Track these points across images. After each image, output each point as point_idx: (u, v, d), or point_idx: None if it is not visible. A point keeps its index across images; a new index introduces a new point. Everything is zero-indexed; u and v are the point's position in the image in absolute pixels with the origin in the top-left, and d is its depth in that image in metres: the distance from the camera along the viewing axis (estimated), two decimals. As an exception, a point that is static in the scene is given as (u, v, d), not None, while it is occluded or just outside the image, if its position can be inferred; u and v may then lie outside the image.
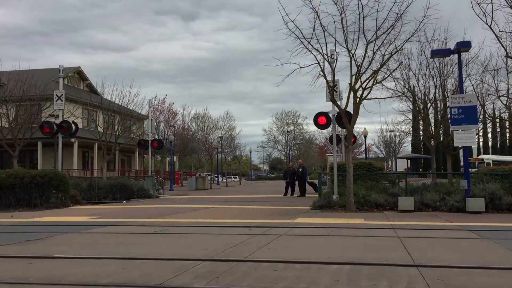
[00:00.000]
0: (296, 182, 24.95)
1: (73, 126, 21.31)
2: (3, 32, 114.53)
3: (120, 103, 35.36)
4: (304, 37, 14.21)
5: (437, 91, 23.38)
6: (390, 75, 16.00)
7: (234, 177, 77.42)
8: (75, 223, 12.11)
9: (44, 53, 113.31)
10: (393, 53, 14.49)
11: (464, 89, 16.13)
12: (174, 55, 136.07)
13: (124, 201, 21.96)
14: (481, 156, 48.03)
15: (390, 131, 49.51)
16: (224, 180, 61.29)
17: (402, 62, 21.28)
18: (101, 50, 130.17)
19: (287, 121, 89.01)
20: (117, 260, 6.30)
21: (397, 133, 45.82)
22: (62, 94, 20.92)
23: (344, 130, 18.71)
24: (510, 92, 21.32)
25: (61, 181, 18.74)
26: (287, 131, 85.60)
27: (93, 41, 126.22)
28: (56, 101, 21.03)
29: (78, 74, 45.68)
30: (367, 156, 50.17)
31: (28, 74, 31.98)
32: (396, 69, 16.66)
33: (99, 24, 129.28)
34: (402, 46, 14.56)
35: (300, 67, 14.38)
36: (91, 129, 37.90)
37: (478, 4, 15.42)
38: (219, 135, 61.03)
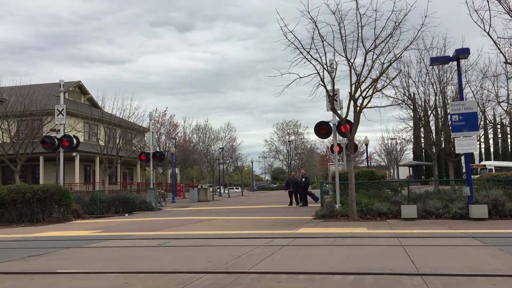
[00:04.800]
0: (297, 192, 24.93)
1: (75, 140, 21.32)
2: (0, 47, 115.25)
3: (121, 116, 35.43)
4: (303, 47, 14.28)
5: (437, 98, 23.40)
6: (390, 83, 16.04)
7: (236, 188, 77.31)
8: (77, 237, 12.08)
9: (41, 67, 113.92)
10: (392, 61, 14.54)
11: (464, 96, 16.14)
12: (171, 66, 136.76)
13: (127, 214, 21.93)
14: (483, 162, 47.92)
15: (391, 139, 49.51)
16: (226, 191, 61.18)
17: (401, 70, 21.31)
18: (98, 63, 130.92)
19: (288, 130, 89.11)
20: (120, 274, 6.28)
21: (398, 141, 45.86)
22: (63, 109, 20.98)
23: (345, 139, 18.73)
24: (510, 98, 21.34)
25: (63, 196, 18.72)
26: (288, 141, 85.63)
27: (89, 54, 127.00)
28: (57, 115, 21.08)
29: (79, 88, 45.86)
30: (369, 164, 50.10)
31: (28, 89, 32.09)
32: (395, 77, 16.70)
33: (95, 37, 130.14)
34: (401, 54, 14.63)
35: (300, 77, 14.43)
36: (92, 143, 37.94)
37: (475, 11, 15.50)
38: (221, 146, 61.06)
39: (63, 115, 20.97)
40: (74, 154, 33.50)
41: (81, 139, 30.40)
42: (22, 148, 29.19)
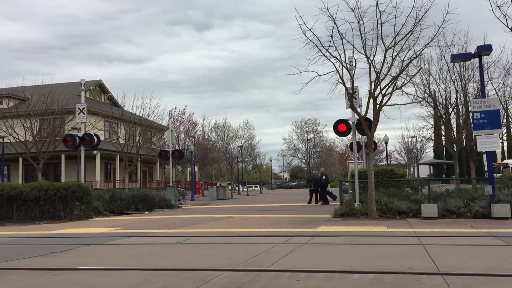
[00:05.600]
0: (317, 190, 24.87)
1: (95, 139, 21.60)
2: (21, 47, 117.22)
3: (140, 115, 35.80)
4: (322, 45, 14.21)
5: (458, 96, 23.05)
6: (410, 81, 15.84)
7: (254, 186, 77.38)
8: (98, 234, 12.25)
9: (62, 66, 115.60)
10: (412, 58, 14.37)
11: (486, 93, 15.88)
12: (189, 65, 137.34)
13: (146, 212, 22.14)
14: (505, 161, 47.03)
15: (411, 137, 48.95)
16: (245, 189, 61.32)
17: (422, 67, 21.05)
18: (117, 62, 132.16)
19: (307, 129, 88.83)
20: (140, 271, 6.35)
21: (419, 139, 45.29)
22: (84, 107, 21.28)
23: (365, 137, 18.59)
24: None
25: (84, 193, 19.00)
26: (307, 139, 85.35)
27: (109, 53, 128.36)
28: (78, 114, 21.39)
29: (99, 87, 46.42)
30: (389, 162, 49.64)
31: (50, 88, 32.61)
32: (416, 74, 16.50)
33: (114, 36, 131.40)
34: (421, 51, 14.43)
35: (319, 75, 14.36)
36: (112, 141, 38.40)
37: (498, 7, 15.24)
38: (239, 144, 61.21)
39: (84, 114, 21.26)
40: (94, 152, 33.92)
41: (102, 138, 30.75)
42: (44, 146, 29.71)
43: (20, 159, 34.45)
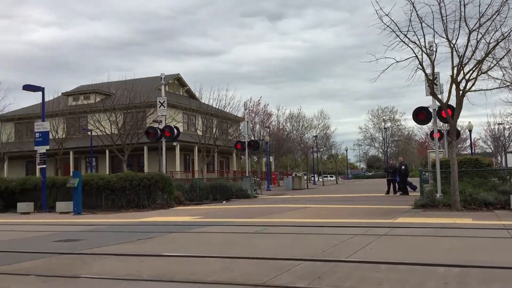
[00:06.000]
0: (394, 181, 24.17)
1: (175, 131, 22.42)
2: (105, 44, 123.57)
3: (217, 107, 36.65)
4: (400, 30, 13.71)
5: (552, 79, 21.28)
6: (497, 64, 14.87)
7: (330, 176, 76.67)
8: (180, 223, 12.74)
9: (142, 62, 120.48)
10: (499, 40, 13.48)
11: None
12: (263, 56, 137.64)
13: (224, 202, 22.68)
14: None
15: (498, 124, 46.08)
16: (320, 180, 60.93)
17: (510, 49, 19.67)
18: (193, 56, 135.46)
19: (384, 117, 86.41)
20: (220, 259, 6.54)
21: (507, 126, 42.50)
22: (164, 101, 22.13)
23: (446, 124, 17.75)
24: None
25: (166, 183, 19.81)
26: (384, 128, 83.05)
27: (186, 47, 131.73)
28: (159, 107, 22.28)
29: (178, 80, 48.01)
30: (473, 151, 47.11)
31: (132, 83, 34.27)
32: (503, 57, 15.42)
33: (190, 31, 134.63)
34: (509, 32, 13.49)
35: (397, 62, 13.89)
36: (191, 133, 39.65)
37: None
38: (314, 134, 60.82)
39: (164, 107, 22.12)
40: (174, 144, 35.22)
41: (181, 129, 31.89)
42: (128, 139, 31.34)
43: (107, 151, 36.53)
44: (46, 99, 22.49)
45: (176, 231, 10.58)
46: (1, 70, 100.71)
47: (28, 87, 20.25)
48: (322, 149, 65.74)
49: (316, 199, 22.46)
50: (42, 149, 20.07)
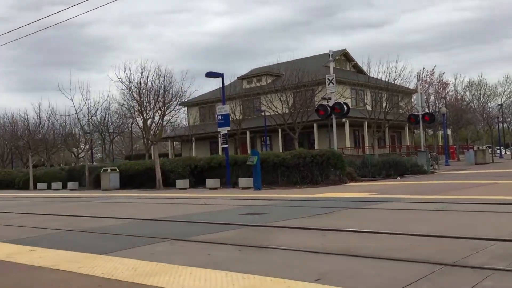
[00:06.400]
0: None
1: (345, 107, 22.39)
2: (271, 27, 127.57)
3: (386, 80, 35.44)
4: None
5: None
6: None
7: (519, 149, 68.59)
8: (354, 199, 12.78)
9: (307, 40, 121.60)
10: None
11: None
12: (434, 21, 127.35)
13: (398, 178, 22.02)
14: None
15: None
16: (508, 153, 54.98)
17: None
18: (358, 29, 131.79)
19: None
20: (400, 236, 6.43)
21: None
22: (333, 78, 22.20)
23: None
24: None
25: (337, 160, 20.01)
26: None
27: (350, 21, 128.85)
28: (328, 84, 22.44)
29: (344, 56, 47.56)
30: None
31: (300, 63, 35.07)
32: None
33: (354, 3, 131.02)
34: None
35: None
36: (360, 108, 39.11)
37: None
38: (499, 103, 54.94)
39: (333, 84, 22.20)
40: (343, 120, 35.18)
41: (350, 105, 31.71)
42: (298, 117, 32.29)
43: (279, 130, 38.16)
44: (225, 84, 24.31)
45: (353, 207, 10.65)
46: (187, 60, 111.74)
47: (210, 74, 22.17)
48: (509, 119, 59.09)
49: (505, 174, 20.40)
50: (224, 130, 21.87)
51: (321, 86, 33.87)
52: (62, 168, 36.73)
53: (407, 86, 38.12)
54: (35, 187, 31.94)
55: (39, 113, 41.88)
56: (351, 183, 19.76)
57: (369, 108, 35.32)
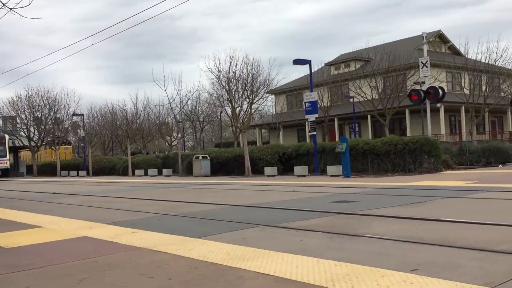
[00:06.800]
0: None
1: (440, 91, 21.29)
2: (357, 10, 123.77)
3: (486, 61, 33.12)
4: None
5: None
6: None
7: None
8: (451, 187, 12.14)
9: (396, 23, 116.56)
10: None
11: None
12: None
13: (500, 165, 20.63)
14: None
15: None
16: None
17: None
18: (452, 8, 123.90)
19: None
20: (502, 227, 6.01)
21: None
22: (427, 61, 21.17)
23: None
24: None
25: (432, 147, 19.13)
26: None
27: (443, 0, 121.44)
28: (422, 68, 21.43)
29: (439, 37, 45.09)
30: None
31: (391, 46, 33.77)
32: None
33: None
34: None
35: None
36: (456, 92, 36.97)
37: None
38: None
39: (427, 67, 21.18)
40: (438, 105, 33.47)
41: (445, 89, 30.04)
42: (389, 103, 31.21)
43: (369, 116, 37.19)
44: (312, 71, 24.09)
45: (450, 196, 10.13)
46: (273, 48, 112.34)
47: (297, 61, 22.09)
48: None
49: None
50: (312, 117, 21.74)
51: (414, 70, 32.43)
52: (157, 156, 38.78)
53: (509, 68, 35.34)
54: (133, 173, 34.03)
55: (136, 103, 44.41)
56: (447, 171, 18.81)
57: (466, 92, 33.24)
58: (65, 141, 53.55)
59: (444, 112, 36.67)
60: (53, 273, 4.49)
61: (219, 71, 25.89)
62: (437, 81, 32.17)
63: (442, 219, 6.80)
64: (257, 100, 26.88)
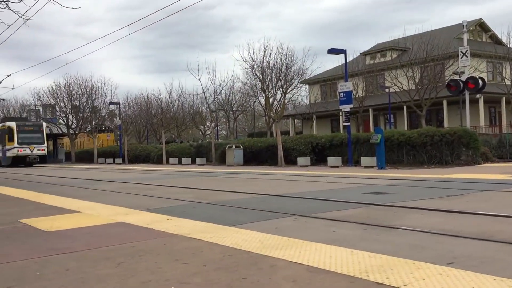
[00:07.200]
0: None
1: (480, 82, 20.65)
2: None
3: (529, 51, 31.92)
4: None
5: None
6: None
7: None
8: (489, 180, 11.83)
9: (435, 11, 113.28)
10: None
11: None
12: None
13: (542, 159, 19.91)
14: None
15: None
16: None
17: None
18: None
19: None
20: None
21: None
22: (467, 50, 20.55)
23: None
24: None
25: (470, 139, 18.64)
26: None
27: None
28: (461, 57, 20.83)
29: (480, 26, 43.65)
30: None
31: (429, 35, 32.89)
32: None
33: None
34: None
35: None
36: (496, 83, 35.81)
37: None
38: None
39: (467, 57, 20.56)
40: (477, 96, 32.50)
41: (485, 80, 29.11)
42: (426, 94, 30.50)
43: (404, 107, 36.46)
44: (347, 60, 23.76)
45: (488, 189, 9.86)
46: (307, 37, 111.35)
47: (332, 51, 21.84)
48: None
49: None
50: (346, 107, 21.50)
51: (452, 59, 31.55)
52: (191, 145, 39.22)
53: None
54: (167, 162, 34.56)
55: (171, 92, 44.90)
56: (486, 164, 18.32)
57: (508, 82, 32.14)
58: (107, 128, 54.79)
59: (483, 103, 35.56)
60: (91, 257, 4.63)
61: (253, 61, 25.88)
62: (477, 71, 31.20)
63: (479, 212, 6.64)
64: (291, 90, 26.76)
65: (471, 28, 41.56)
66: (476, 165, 17.90)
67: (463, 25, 21.67)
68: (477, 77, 21.44)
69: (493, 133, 32.69)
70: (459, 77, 22.64)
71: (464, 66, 21.20)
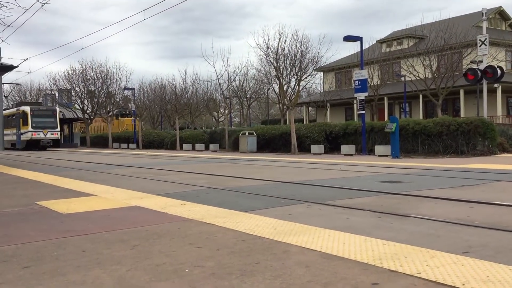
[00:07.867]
0: None
1: (498, 71, 20.32)
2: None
3: (551, 40, 31.27)
4: None
5: None
6: None
7: None
8: (505, 171, 11.71)
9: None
10: None
11: None
12: None
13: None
14: None
15: None
16: None
17: None
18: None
19: None
20: None
21: None
22: (485, 39, 20.22)
23: None
24: None
25: (487, 129, 18.41)
26: None
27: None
28: (479, 46, 20.51)
29: (499, 14, 42.86)
30: None
31: (447, 23, 32.37)
32: None
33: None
34: None
35: None
36: (515, 72, 35.22)
37: None
38: None
39: (485, 46, 20.23)
40: (495, 85, 32.02)
41: (504, 69, 28.63)
42: (443, 83, 30.11)
43: (420, 96, 36.12)
44: (363, 48, 23.53)
45: (504, 179, 9.76)
46: (323, 25, 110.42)
47: (348, 38, 21.61)
48: None
49: None
50: (361, 96, 21.33)
51: (471, 48, 31.07)
52: (204, 131, 39.35)
53: None
54: (181, 148, 34.74)
55: (185, 78, 44.99)
56: (502, 155, 18.10)
57: (527, 72, 31.61)
58: (128, 112, 55.20)
59: (501, 93, 35.07)
60: (106, 239, 4.68)
61: (267, 47, 25.76)
62: (496, 60, 30.71)
63: (495, 202, 6.57)
64: (305, 78, 26.61)
65: (490, 16, 40.82)
66: (493, 155, 17.69)
67: (482, 13, 21.28)
68: (495, 66, 21.09)
69: (511, 123, 32.25)
70: (477, 66, 22.30)
71: (483, 55, 20.88)
